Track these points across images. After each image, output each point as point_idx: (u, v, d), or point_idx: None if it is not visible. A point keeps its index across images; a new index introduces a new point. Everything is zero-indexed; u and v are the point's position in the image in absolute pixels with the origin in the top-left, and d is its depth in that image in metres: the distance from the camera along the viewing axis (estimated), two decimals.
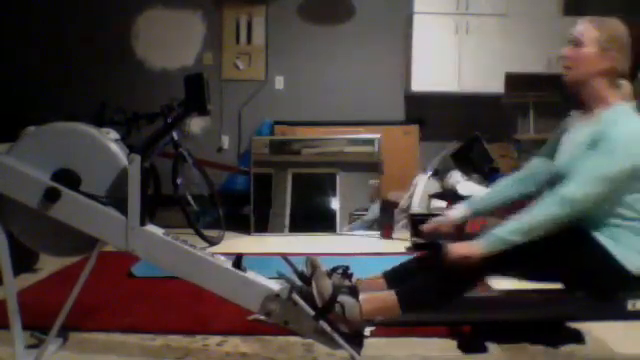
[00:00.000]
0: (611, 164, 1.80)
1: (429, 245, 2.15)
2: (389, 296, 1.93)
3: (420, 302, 1.93)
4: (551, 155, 2.09)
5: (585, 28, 1.95)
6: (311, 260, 1.99)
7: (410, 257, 2.26)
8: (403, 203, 4.96)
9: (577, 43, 1.94)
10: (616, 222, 1.87)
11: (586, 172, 1.82)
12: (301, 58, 5.92)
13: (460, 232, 2.20)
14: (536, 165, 2.17)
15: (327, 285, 1.89)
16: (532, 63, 5.52)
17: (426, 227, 2.21)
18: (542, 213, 1.84)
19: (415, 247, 4.13)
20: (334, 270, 2.00)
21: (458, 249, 1.86)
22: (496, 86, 5.57)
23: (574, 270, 1.91)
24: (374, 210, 4.96)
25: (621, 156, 1.80)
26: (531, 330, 2.28)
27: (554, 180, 1.99)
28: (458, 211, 2.19)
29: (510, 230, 1.84)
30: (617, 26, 1.95)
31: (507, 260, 1.86)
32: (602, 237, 1.87)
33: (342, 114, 5.80)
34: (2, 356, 2.14)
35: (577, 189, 1.81)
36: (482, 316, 2.02)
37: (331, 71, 5.93)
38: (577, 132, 1.98)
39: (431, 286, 1.92)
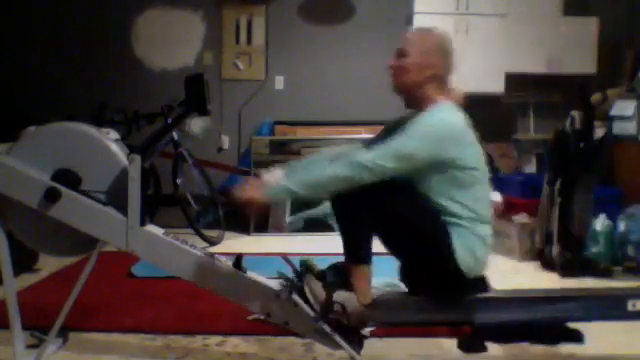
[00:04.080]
0: (407, 145, 1.89)
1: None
2: (354, 265, 1.94)
3: (353, 243, 1.97)
4: (373, 144, 2.09)
5: (408, 39, 2.07)
6: (304, 263, 2.00)
7: None
8: None
9: (401, 54, 2.03)
10: (450, 220, 1.91)
11: (385, 146, 1.90)
12: (301, 58, 5.92)
13: None
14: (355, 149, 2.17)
15: (319, 288, 1.90)
16: (532, 63, 5.52)
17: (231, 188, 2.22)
18: (333, 172, 1.89)
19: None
20: (329, 268, 2.00)
21: (241, 192, 1.93)
22: (496, 86, 5.57)
23: (412, 251, 1.95)
24: None
25: (419, 141, 1.89)
26: (531, 330, 2.28)
27: None
28: (273, 175, 2.14)
29: (296, 181, 1.91)
30: (438, 36, 2.07)
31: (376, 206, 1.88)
32: (451, 231, 1.91)
33: (342, 114, 5.80)
34: (2, 356, 2.14)
35: (370, 158, 1.87)
36: (482, 316, 2.02)
37: (331, 71, 5.93)
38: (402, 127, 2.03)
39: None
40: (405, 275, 2.05)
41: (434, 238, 1.91)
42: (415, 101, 2.04)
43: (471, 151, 1.95)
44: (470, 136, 1.97)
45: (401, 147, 1.89)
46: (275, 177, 2.10)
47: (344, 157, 1.94)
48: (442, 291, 1.97)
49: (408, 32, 2.07)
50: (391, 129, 2.07)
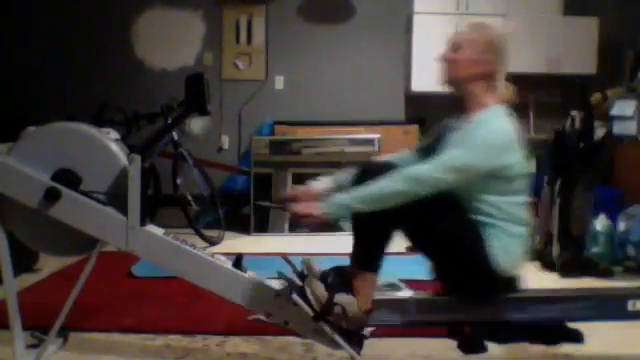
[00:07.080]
0: (466, 157, 1.86)
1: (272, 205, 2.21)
2: (360, 271, 1.94)
3: (365, 250, 1.96)
4: (425, 151, 2.11)
5: (464, 33, 2.03)
6: (306, 262, 2.00)
7: None
8: None
9: (456, 47, 1.99)
10: (488, 221, 1.91)
11: (441, 159, 1.87)
12: (301, 58, 5.92)
13: None
14: (407, 158, 2.16)
15: (321, 289, 1.90)
16: (532, 63, 5.52)
17: (286, 194, 2.27)
18: (390, 187, 1.85)
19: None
20: (332, 270, 1.99)
21: (299, 208, 1.93)
22: None
23: (447, 251, 1.94)
24: None
25: (478, 152, 1.86)
26: (531, 330, 2.28)
27: None
28: (322, 183, 2.21)
29: (355, 197, 1.87)
30: (495, 31, 2.01)
31: (404, 214, 1.89)
32: (482, 232, 1.91)
33: (342, 114, 5.80)
34: (2, 356, 2.14)
35: (428, 172, 1.85)
36: (482, 316, 2.02)
37: (331, 71, 5.93)
38: (453, 134, 2.00)
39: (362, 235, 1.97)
40: (439, 275, 2.04)
41: (470, 238, 1.90)
42: (462, 98, 2.01)
43: (520, 158, 1.97)
44: (519, 142, 1.97)
45: (458, 160, 1.86)
46: (323, 185, 2.17)
47: (400, 171, 1.89)
48: (478, 290, 1.97)
49: (466, 25, 2.04)
50: (442, 133, 2.05)
